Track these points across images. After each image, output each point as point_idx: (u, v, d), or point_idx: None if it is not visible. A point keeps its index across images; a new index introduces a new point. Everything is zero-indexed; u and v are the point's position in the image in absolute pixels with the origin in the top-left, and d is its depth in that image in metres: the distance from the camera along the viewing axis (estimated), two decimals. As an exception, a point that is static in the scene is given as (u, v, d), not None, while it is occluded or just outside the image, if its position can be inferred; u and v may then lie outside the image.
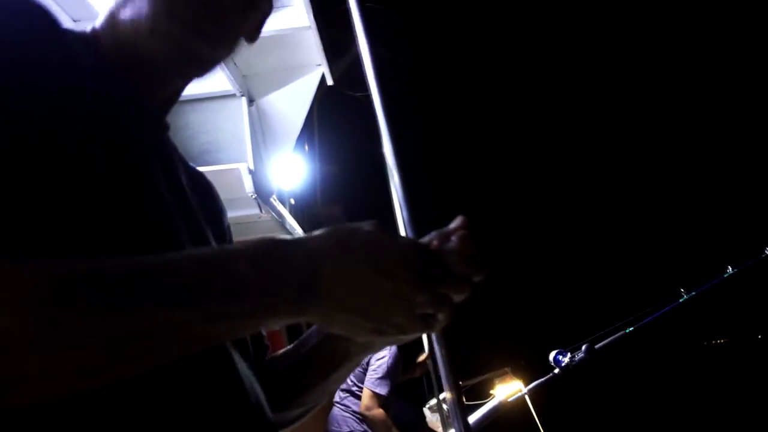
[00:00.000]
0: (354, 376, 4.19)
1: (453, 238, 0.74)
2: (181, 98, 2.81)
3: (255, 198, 2.87)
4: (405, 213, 0.89)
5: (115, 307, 0.55)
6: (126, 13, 0.79)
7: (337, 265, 0.63)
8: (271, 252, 0.63)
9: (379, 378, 4.02)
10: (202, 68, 0.86)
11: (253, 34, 0.91)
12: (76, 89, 0.71)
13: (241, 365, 0.79)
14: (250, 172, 2.82)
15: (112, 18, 0.81)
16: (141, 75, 0.82)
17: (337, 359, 0.89)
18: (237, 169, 2.80)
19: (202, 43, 0.80)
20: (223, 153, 3.09)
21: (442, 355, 0.93)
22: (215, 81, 2.98)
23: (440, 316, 0.70)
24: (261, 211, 3.03)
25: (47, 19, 0.73)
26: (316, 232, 0.67)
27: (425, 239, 0.77)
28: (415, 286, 0.65)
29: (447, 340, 0.90)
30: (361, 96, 4.30)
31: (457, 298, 0.71)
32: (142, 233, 0.69)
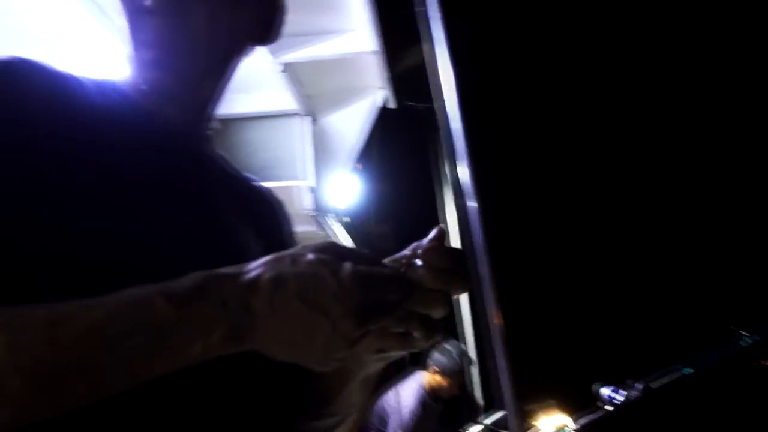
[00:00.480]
0: (376, 418, 4.21)
1: (420, 252, 0.71)
2: (245, 115, 2.89)
3: (314, 215, 2.93)
4: (481, 237, 0.89)
5: (35, 356, 0.58)
6: (129, 58, 0.86)
7: (271, 302, 0.62)
8: (199, 289, 0.62)
9: None
10: (205, 89, 0.89)
11: (263, 36, 0.90)
12: (92, 132, 0.75)
13: (249, 369, 0.78)
14: (311, 190, 2.88)
15: (127, 62, 0.88)
16: (163, 104, 0.85)
17: (343, 377, 0.88)
18: (298, 187, 2.85)
19: (192, 63, 0.85)
20: (283, 170, 3.16)
21: (505, 382, 0.93)
22: (280, 100, 3.06)
23: (416, 334, 0.68)
24: (319, 228, 3.08)
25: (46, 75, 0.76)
26: (257, 262, 0.65)
27: (398, 255, 0.73)
28: (353, 322, 0.62)
29: (513, 367, 0.90)
30: (423, 107, 4.31)
31: (435, 313, 0.69)
32: (136, 260, 0.70)
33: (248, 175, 1.02)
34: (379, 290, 0.64)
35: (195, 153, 0.89)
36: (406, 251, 0.72)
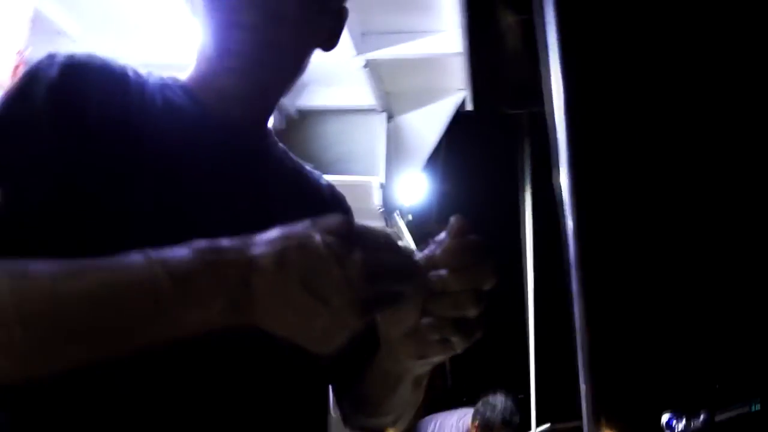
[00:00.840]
0: None
1: (438, 251, 0.66)
2: (323, 108, 2.93)
3: (382, 212, 2.95)
4: (574, 251, 0.87)
5: (36, 309, 0.61)
6: (201, 58, 0.89)
7: (272, 284, 0.61)
8: (200, 261, 0.62)
9: None
10: (272, 94, 0.92)
11: (327, 44, 0.94)
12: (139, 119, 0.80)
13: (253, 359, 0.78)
14: (381, 186, 2.91)
15: (197, 61, 0.91)
16: (222, 101, 0.89)
17: (393, 382, 0.87)
18: (369, 183, 2.89)
19: (266, 72, 0.87)
20: (355, 164, 3.19)
21: (586, 392, 0.92)
22: (359, 95, 3.09)
23: (454, 339, 0.66)
24: (386, 224, 3.11)
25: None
26: (265, 237, 0.63)
27: (424, 252, 0.68)
28: (353, 314, 0.60)
29: (594, 380, 0.89)
30: (514, 113, 4.25)
31: (468, 314, 0.66)
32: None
33: (310, 169, 1.04)
34: (385, 282, 0.62)
35: (251, 147, 0.91)
36: (426, 251, 0.68)
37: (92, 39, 2.56)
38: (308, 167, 1.04)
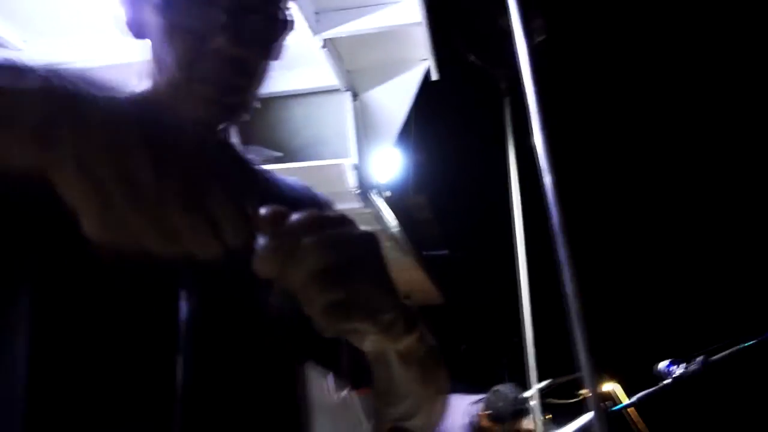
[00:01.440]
0: None
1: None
2: (286, 93, 2.85)
3: (358, 193, 2.91)
4: (555, 216, 0.84)
5: None
6: (162, 80, 0.84)
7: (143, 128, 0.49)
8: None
9: None
10: (237, 114, 0.88)
11: (277, 56, 0.91)
12: None
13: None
14: (355, 167, 2.86)
15: (153, 82, 0.86)
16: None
17: (382, 363, 0.79)
18: (341, 165, 2.84)
19: (237, 97, 0.85)
20: (326, 147, 3.13)
21: (583, 354, 0.90)
22: (321, 76, 3.02)
23: (352, 311, 0.56)
24: (362, 205, 3.06)
25: None
26: (156, 108, 0.53)
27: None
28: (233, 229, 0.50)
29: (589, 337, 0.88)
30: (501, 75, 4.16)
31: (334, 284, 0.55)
32: None
33: (267, 169, 1.01)
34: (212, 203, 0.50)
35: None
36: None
37: (35, 47, 2.47)
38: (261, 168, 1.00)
